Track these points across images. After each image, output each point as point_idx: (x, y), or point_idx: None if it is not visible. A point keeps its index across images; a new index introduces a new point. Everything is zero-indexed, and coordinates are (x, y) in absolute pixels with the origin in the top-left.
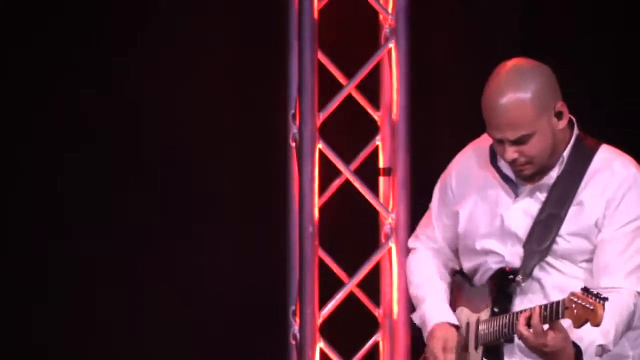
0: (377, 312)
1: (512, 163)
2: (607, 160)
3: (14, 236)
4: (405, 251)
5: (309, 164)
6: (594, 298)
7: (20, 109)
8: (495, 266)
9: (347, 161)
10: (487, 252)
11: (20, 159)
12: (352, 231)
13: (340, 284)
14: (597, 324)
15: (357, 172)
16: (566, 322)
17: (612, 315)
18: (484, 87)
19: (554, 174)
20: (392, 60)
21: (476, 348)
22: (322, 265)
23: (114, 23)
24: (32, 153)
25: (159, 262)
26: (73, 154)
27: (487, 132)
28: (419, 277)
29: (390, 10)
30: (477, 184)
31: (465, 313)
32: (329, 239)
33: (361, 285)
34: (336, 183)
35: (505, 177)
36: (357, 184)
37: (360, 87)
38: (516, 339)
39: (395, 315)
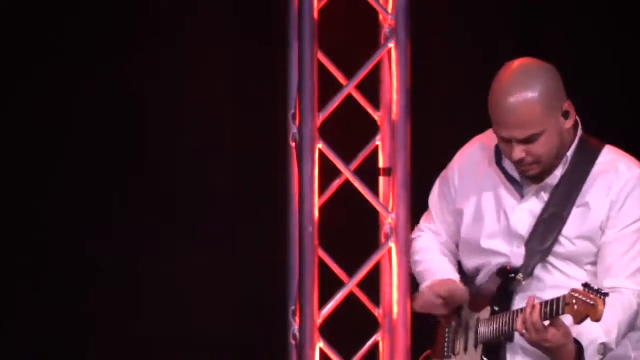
0: (377, 312)
1: (518, 163)
2: (611, 161)
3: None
4: (406, 251)
5: (309, 164)
6: (594, 294)
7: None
8: (497, 267)
9: (347, 161)
10: (492, 253)
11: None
12: (352, 231)
13: (340, 284)
14: (597, 319)
15: (357, 172)
16: (568, 320)
17: (615, 314)
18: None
19: (558, 173)
20: (392, 60)
21: (476, 347)
22: (322, 265)
23: (113, 22)
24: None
25: (158, 261)
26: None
27: (494, 130)
28: (423, 255)
29: (390, 10)
30: (481, 184)
31: (465, 312)
32: (329, 239)
33: (361, 285)
34: (336, 183)
35: (510, 178)
36: (357, 184)
37: (360, 87)
38: (516, 338)
39: (395, 315)
